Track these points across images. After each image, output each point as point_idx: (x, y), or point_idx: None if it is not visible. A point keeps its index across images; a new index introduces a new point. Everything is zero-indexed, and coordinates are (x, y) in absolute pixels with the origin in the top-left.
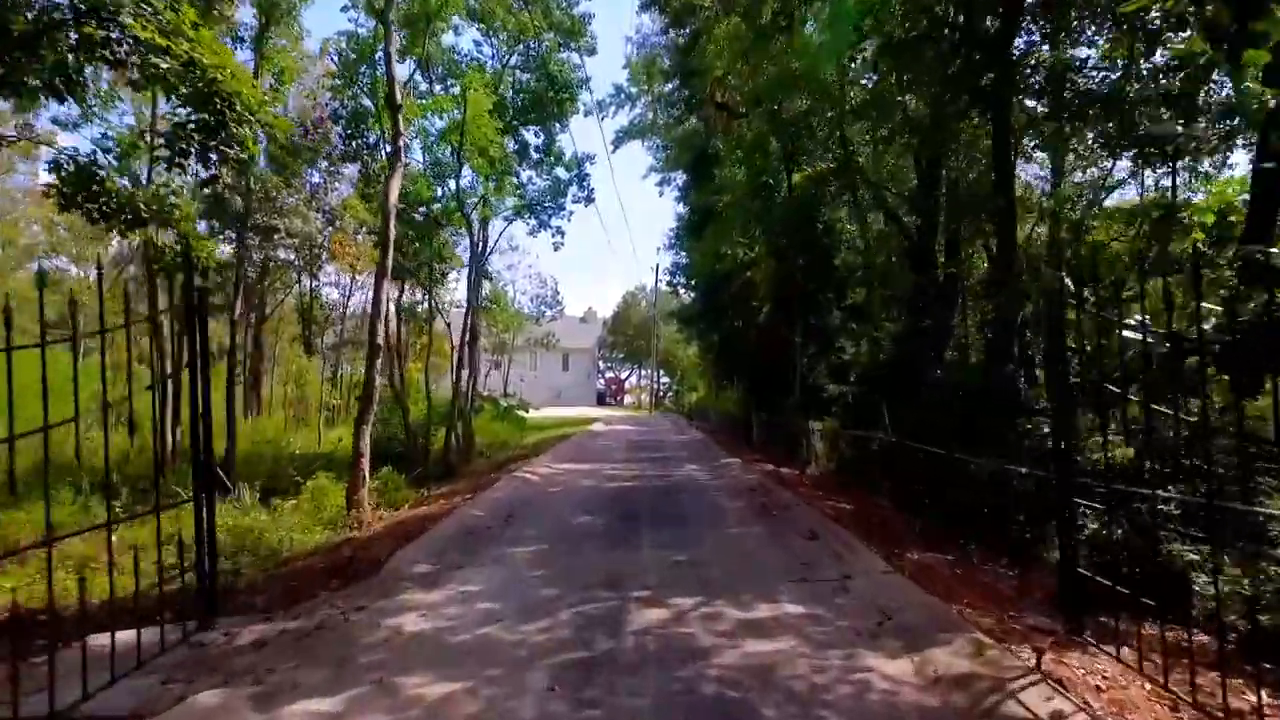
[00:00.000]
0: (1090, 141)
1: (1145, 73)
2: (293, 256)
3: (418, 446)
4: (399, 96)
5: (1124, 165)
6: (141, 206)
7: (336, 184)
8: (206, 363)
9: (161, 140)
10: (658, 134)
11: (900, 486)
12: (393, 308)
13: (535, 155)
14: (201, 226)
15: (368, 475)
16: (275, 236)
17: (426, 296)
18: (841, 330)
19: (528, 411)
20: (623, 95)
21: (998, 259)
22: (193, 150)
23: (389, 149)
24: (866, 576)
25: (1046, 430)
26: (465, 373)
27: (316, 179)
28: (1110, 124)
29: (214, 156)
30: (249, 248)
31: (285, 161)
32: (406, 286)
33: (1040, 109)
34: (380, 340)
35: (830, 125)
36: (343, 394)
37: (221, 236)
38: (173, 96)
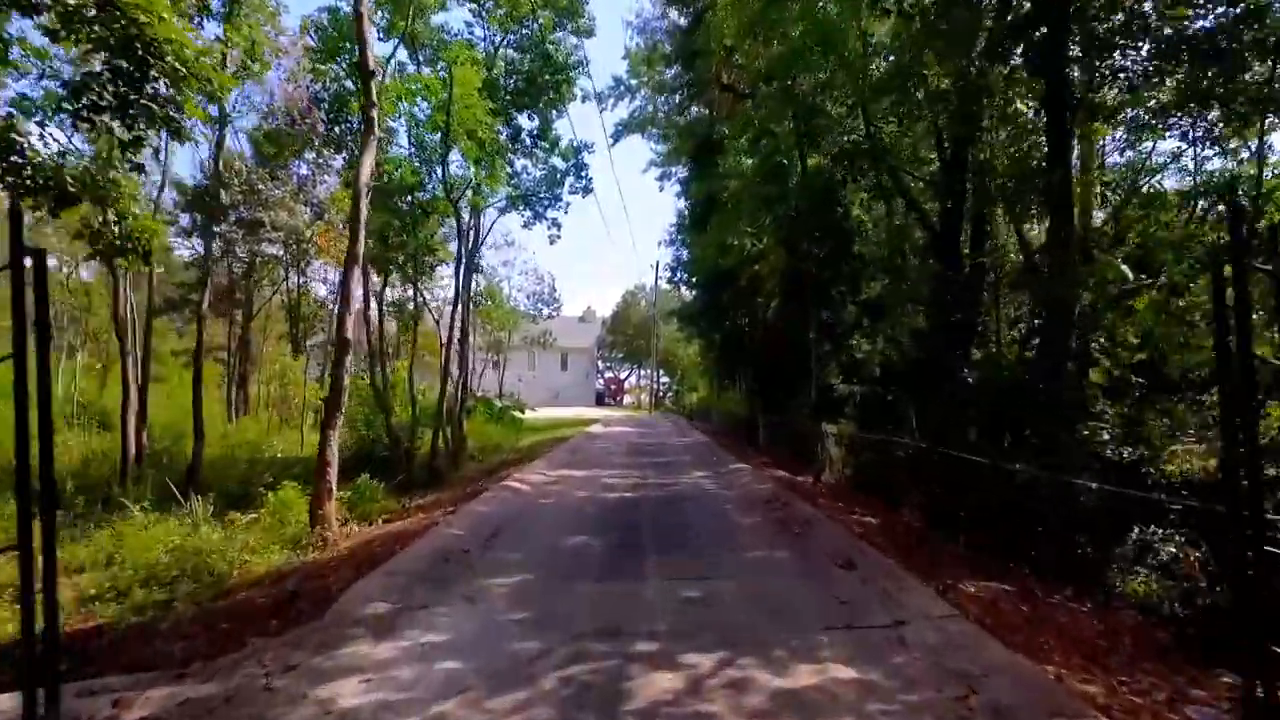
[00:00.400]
0: (1169, 99)
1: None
2: (279, 251)
3: (401, 451)
4: (371, 62)
5: (1164, 148)
6: (69, 180)
7: (325, 176)
8: (45, 344)
9: (67, 92)
10: (658, 127)
11: (932, 498)
12: (374, 302)
13: (529, 140)
14: (185, 220)
15: (335, 486)
16: (261, 230)
17: (413, 291)
18: (856, 326)
19: (523, 412)
20: (622, 87)
21: (1051, 241)
22: (108, 106)
23: (363, 123)
24: (925, 621)
25: (1106, 436)
26: (456, 371)
27: (304, 171)
28: (1207, 74)
29: (137, 115)
30: (232, 241)
31: (267, 151)
32: (397, 281)
33: (1108, 67)
34: (349, 335)
35: (853, 95)
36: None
37: (204, 230)
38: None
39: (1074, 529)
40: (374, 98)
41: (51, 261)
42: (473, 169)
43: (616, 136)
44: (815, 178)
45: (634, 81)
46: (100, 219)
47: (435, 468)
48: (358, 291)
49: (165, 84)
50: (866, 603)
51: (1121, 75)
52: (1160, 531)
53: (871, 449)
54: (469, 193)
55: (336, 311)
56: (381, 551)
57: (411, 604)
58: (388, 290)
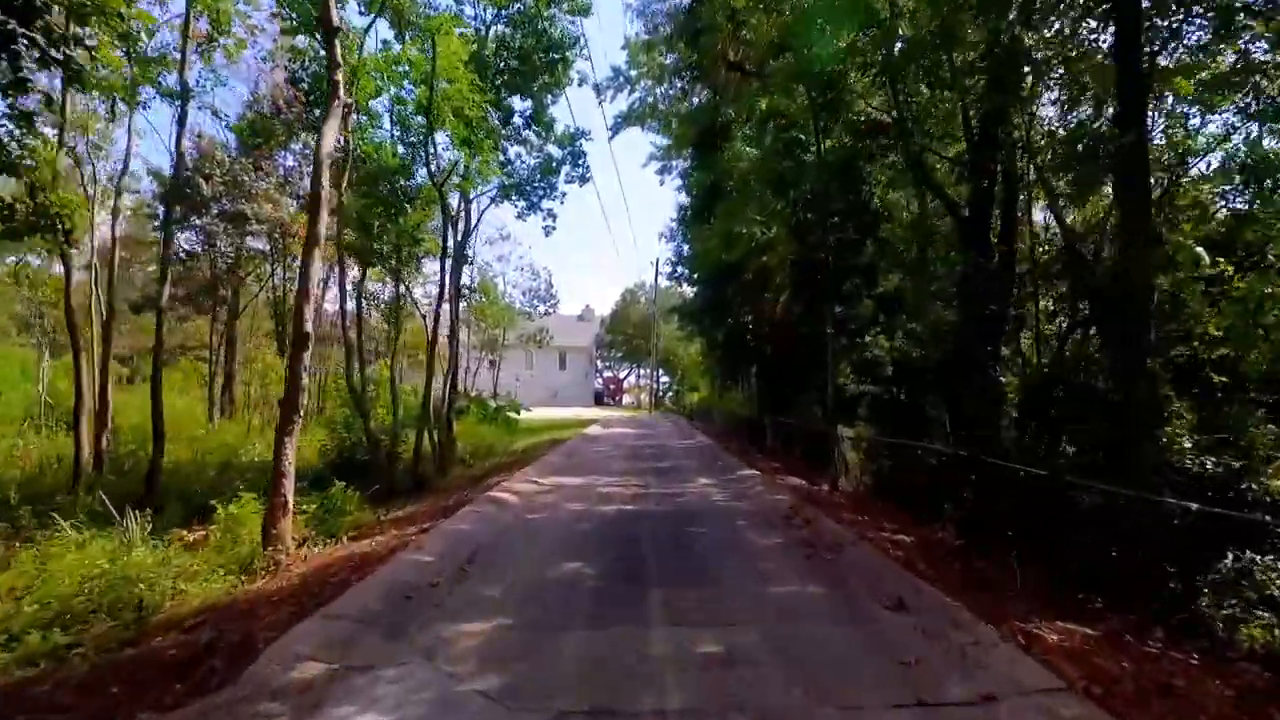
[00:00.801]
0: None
1: None
2: (264, 245)
3: (381, 456)
4: (335, 19)
5: (1214, 122)
6: None
7: (310, 167)
8: None
9: None
10: (658, 119)
11: (969, 511)
12: (353, 295)
13: (521, 123)
14: (162, 212)
15: (291, 500)
16: (245, 224)
17: (397, 284)
18: (873, 322)
19: (519, 413)
20: (621, 78)
21: (1125, 219)
22: None
23: (328, 86)
24: (1019, 695)
25: (1188, 443)
26: (444, 368)
27: (290, 162)
28: None
29: (23, 49)
30: (213, 234)
31: (248, 139)
32: (388, 278)
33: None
34: (308, 328)
35: (876, 64)
36: (315, 394)
37: (184, 223)
38: None
39: (1151, 553)
40: (338, 58)
41: (37, 260)
42: (461, 151)
43: (615, 129)
44: (834, 154)
45: (634, 72)
46: (21, 193)
47: (420, 474)
48: (322, 279)
49: (52, 13)
50: (934, 663)
51: (1210, 16)
52: (1258, 559)
53: (895, 454)
54: (450, 174)
55: (294, 302)
56: (336, 581)
57: (352, 663)
58: (378, 285)
